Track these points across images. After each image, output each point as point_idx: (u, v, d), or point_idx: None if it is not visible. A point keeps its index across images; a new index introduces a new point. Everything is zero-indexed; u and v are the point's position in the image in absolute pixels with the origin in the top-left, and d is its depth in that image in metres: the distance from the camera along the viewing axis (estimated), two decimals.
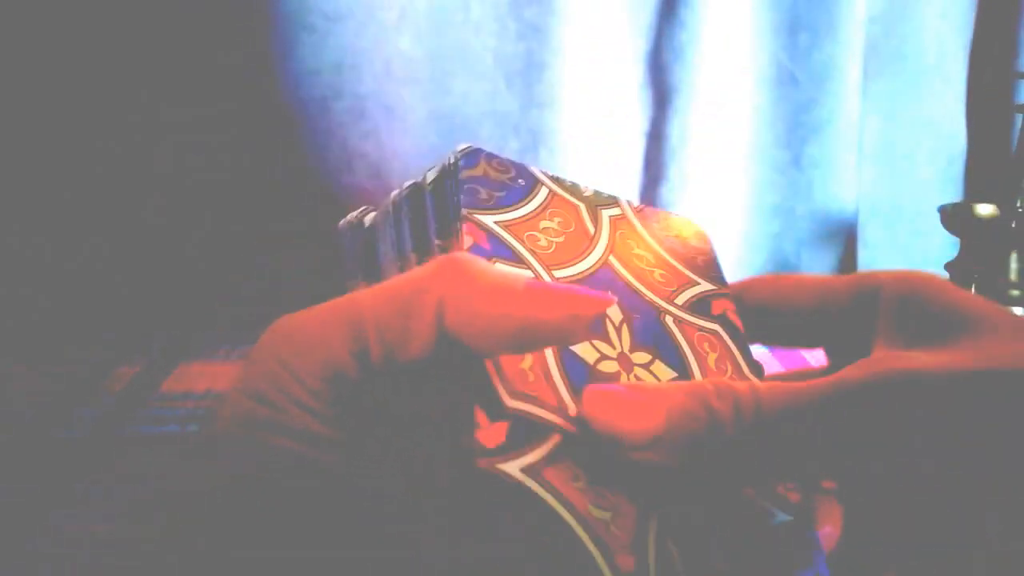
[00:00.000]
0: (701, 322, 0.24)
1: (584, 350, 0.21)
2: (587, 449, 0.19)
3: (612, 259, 0.24)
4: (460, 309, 0.18)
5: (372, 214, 0.25)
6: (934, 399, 0.18)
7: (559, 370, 0.20)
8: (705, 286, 0.26)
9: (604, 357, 0.21)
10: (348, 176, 0.68)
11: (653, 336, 0.23)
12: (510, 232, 0.22)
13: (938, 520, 0.19)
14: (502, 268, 0.19)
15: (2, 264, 0.66)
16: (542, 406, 0.19)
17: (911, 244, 0.77)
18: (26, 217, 0.66)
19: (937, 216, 0.64)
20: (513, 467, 0.18)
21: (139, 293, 0.67)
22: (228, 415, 0.17)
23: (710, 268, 0.27)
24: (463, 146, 0.24)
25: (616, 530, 0.18)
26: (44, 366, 0.58)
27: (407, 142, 0.68)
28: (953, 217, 0.62)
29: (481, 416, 0.18)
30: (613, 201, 0.26)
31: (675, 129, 0.69)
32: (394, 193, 0.24)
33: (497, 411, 0.18)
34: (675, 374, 0.22)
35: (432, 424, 0.19)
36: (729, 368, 0.24)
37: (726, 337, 0.25)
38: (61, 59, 0.63)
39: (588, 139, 0.69)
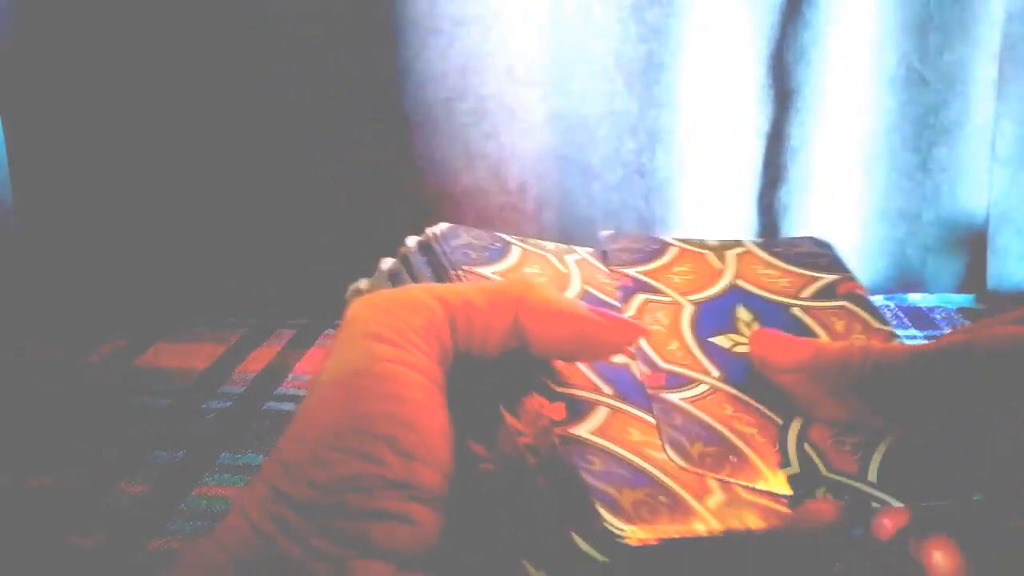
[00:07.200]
0: (827, 303, 0.29)
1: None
2: (631, 417, 0.24)
3: (740, 282, 0.30)
4: (534, 319, 0.22)
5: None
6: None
7: (587, 366, 0.25)
8: (829, 278, 0.31)
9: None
10: (469, 176, 0.70)
11: (781, 323, 0.28)
12: (649, 276, 0.30)
13: None
14: (565, 296, 0.25)
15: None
16: (581, 390, 0.24)
17: None
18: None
19: None
20: (581, 430, 0.22)
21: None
22: (353, 347, 0.20)
23: (832, 265, 0.32)
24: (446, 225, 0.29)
25: (681, 460, 0.23)
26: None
27: (526, 142, 0.69)
28: None
29: (540, 399, 0.22)
30: (737, 243, 0.32)
31: (796, 130, 0.68)
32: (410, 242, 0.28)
33: (551, 394, 0.23)
34: None
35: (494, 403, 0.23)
36: (858, 327, 0.28)
37: (853, 307, 0.29)
38: (200, 66, 0.68)
39: (706, 139, 0.69)
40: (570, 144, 0.69)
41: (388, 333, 0.20)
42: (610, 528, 0.19)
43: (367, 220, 0.71)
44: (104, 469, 0.47)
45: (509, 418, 0.22)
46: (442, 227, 0.28)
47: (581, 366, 0.24)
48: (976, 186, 0.70)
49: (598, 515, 0.19)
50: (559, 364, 0.24)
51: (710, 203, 0.70)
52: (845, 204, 0.71)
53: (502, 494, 0.21)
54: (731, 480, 0.22)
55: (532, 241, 0.30)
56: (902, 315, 0.67)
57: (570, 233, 0.72)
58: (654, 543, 0.19)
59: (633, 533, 0.19)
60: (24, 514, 0.43)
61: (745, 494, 0.22)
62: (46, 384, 0.58)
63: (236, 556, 0.18)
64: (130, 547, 0.40)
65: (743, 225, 0.71)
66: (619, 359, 0.26)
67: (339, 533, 0.18)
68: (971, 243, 0.72)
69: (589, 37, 0.67)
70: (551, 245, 0.31)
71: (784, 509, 0.22)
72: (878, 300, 0.70)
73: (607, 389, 0.24)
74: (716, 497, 0.22)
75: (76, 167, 0.69)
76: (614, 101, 0.68)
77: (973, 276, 0.73)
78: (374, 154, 0.69)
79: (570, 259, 0.30)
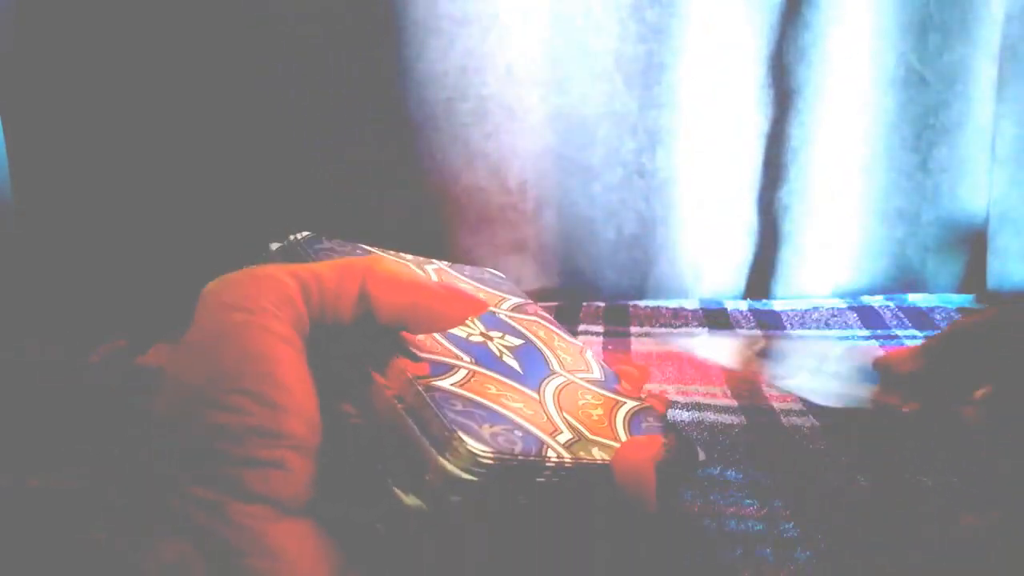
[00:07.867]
0: (524, 316, 0.34)
1: (457, 331, 0.29)
2: (489, 378, 0.26)
3: None
4: (379, 287, 0.23)
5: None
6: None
7: (443, 338, 0.27)
8: (516, 300, 0.35)
9: (472, 334, 0.29)
10: (469, 175, 0.70)
11: (497, 324, 0.31)
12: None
13: None
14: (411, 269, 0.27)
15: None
16: (443, 356, 0.26)
17: None
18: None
19: None
20: (444, 383, 0.24)
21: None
22: (210, 317, 0.21)
23: (514, 291, 0.37)
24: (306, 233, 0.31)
25: (529, 411, 0.25)
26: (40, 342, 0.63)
27: (526, 142, 0.69)
28: None
29: (405, 361, 0.24)
30: (431, 260, 0.35)
31: (796, 130, 0.68)
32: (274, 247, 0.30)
33: (414, 358, 0.25)
34: (521, 341, 0.31)
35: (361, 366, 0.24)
36: (556, 337, 0.34)
37: (545, 322, 0.34)
38: (200, 66, 0.68)
39: (706, 140, 0.69)
40: (570, 144, 0.69)
41: (244, 303, 0.21)
42: (473, 451, 0.21)
43: (367, 220, 0.71)
44: (104, 469, 0.46)
45: (377, 378, 0.23)
46: (304, 235, 0.30)
47: (440, 339, 0.26)
48: (976, 186, 0.70)
49: (463, 441, 0.21)
50: (420, 337, 0.26)
51: (710, 203, 0.70)
52: (845, 204, 0.70)
53: (372, 441, 0.22)
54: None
55: (393, 252, 0.33)
56: (902, 315, 0.67)
57: (570, 233, 0.72)
58: (514, 462, 0.22)
59: (494, 455, 0.21)
60: (24, 514, 0.43)
61: (588, 434, 0.26)
62: (46, 384, 0.58)
63: (120, 511, 0.19)
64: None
65: (743, 225, 0.71)
66: (476, 338, 0.28)
67: (214, 480, 0.19)
68: (971, 243, 0.72)
69: (589, 37, 0.67)
70: (410, 256, 0.34)
71: (618, 445, 0.25)
72: (878, 300, 0.70)
73: (465, 357, 0.27)
74: (565, 435, 0.25)
75: (76, 167, 0.69)
76: (614, 101, 0.68)
77: (973, 276, 0.73)
78: (374, 154, 0.69)
79: (430, 268, 0.33)
